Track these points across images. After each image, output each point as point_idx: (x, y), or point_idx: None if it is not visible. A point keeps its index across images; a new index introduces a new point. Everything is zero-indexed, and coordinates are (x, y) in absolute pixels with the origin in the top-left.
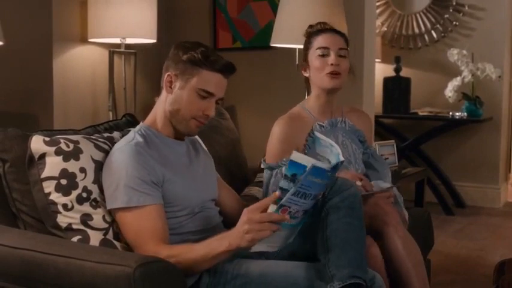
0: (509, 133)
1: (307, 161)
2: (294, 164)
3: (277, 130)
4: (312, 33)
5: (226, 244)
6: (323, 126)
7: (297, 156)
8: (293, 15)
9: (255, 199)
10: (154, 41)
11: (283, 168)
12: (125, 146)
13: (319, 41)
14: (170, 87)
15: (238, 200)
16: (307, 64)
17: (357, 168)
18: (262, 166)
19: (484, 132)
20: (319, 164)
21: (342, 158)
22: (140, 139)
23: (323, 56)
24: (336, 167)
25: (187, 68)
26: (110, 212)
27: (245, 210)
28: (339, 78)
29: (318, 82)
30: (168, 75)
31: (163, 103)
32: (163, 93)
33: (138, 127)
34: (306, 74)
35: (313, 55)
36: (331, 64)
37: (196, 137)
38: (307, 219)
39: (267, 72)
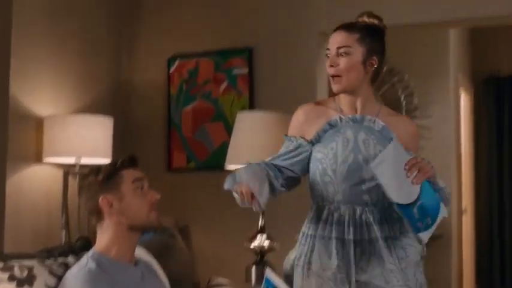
0: (459, 251)
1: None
2: (267, 280)
3: (294, 116)
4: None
5: None
6: (341, 119)
7: (271, 275)
8: (246, 137)
9: None
10: (109, 160)
11: None
12: (78, 273)
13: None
14: (111, 207)
15: None
16: None
17: None
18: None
19: (436, 250)
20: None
21: None
22: (93, 265)
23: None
24: None
25: (110, 182)
26: None
27: None
28: (340, 81)
29: None
30: (102, 199)
31: (112, 225)
32: (106, 218)
33: (91, 252)
34: None
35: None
36: (328, 66)
37: (153, 261)
38: None
39: (221, 193)
